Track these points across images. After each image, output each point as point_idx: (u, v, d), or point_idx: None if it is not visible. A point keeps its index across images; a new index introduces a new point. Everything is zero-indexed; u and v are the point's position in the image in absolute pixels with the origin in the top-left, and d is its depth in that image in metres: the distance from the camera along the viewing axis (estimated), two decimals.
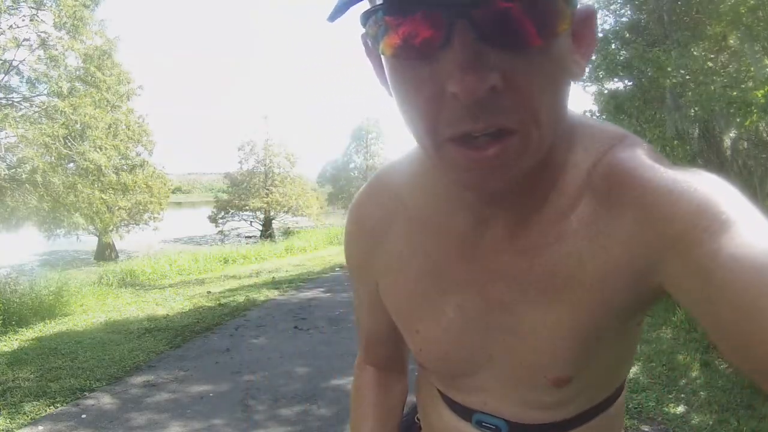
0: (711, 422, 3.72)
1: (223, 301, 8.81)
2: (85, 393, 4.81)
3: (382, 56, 0.60)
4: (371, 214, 0.85)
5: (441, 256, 0.78)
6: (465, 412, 0.87)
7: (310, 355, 5.76)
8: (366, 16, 0.57)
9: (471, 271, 0.76)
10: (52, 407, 4.52)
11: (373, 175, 0.90)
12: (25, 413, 4.41)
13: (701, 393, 4.18)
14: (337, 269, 12.42)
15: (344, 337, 6.36)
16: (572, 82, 0.61)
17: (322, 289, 9.75)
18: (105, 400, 4.66)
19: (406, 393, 1.10)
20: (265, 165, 29.85)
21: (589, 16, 0.62)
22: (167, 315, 8.01)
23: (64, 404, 4.58)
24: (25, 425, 4.21)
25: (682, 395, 4.20)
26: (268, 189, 28.89)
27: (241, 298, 8.95)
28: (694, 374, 4.57)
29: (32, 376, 5.32)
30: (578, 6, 0.59)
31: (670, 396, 4.20)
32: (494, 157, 0.55)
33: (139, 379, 5.14)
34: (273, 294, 9.41)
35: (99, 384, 5.02)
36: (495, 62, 0.52)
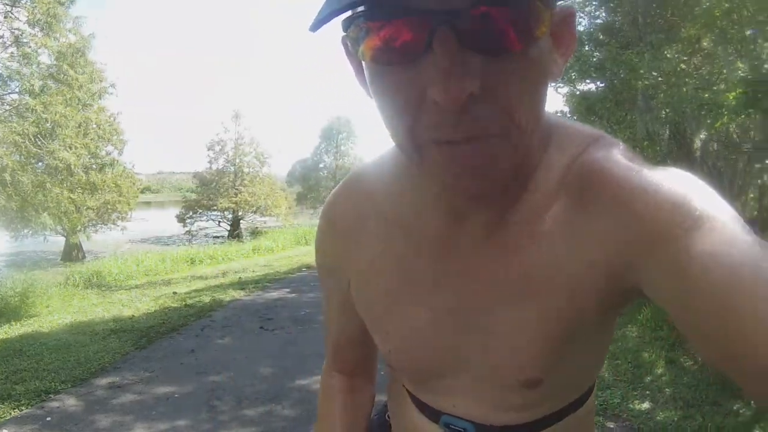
0: (676, 418, 3.79)
1: (189, 301, 8.80)
2: (50, 395, 4.81)
3: (362, 59, 0.60)
4: (346, 212, 0.85)
5: (414, 256, 0.77)
6: (433, 414, 0.86)
7: (275, 355, 5.80)
8: (348, 22, 0.57)
9: (444, 273, 0.75)
10: (16, 410, 4.52)
11: (349, 174, 0.89)
12: None
13: (666, 390, 4.25)
14: (303, 269, 12.42)
15: (310, 338, 6.39)
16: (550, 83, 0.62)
17: (288, 290, 9.76)
18: (70, 402, 4.67)
19: (374, 400, 1.10)
20: (234, 164, 29.72)
21: (568, 15, 0.62)
22: (133, 316, 7.99)
23: (29, 407, 4.59)
24: None
25: (648, 392, 4.27)
26: (237, 189, 28.75)
27: (207, 299, 8.94)
28: (659, 371, 4.63)
29: None
30: (557, 6, 0.60)
31: (636, 393, 4.26)
32: (476, 165, 0.57)
33: (104, 381, 5.15)
34: (239, 294, 9.41)
35: (64, 386, 5.02)
36: (476, 68, 0.52)
